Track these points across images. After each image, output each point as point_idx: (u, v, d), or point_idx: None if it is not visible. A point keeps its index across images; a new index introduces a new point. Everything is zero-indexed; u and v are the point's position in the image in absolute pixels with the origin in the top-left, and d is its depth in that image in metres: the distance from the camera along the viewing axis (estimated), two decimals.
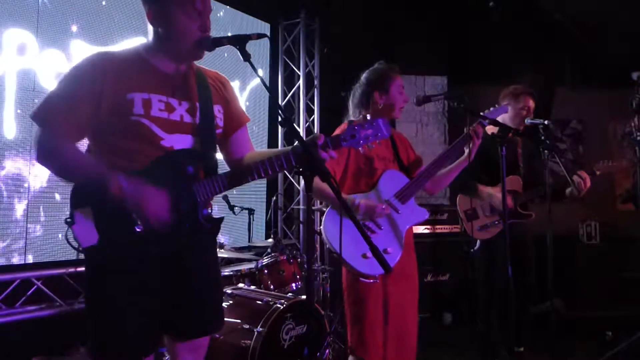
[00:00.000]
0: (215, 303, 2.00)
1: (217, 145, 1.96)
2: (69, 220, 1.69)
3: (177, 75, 1.86)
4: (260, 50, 5.69)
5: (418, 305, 2.77)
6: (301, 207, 5.84)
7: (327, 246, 2.57)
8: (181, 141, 1.80)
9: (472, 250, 3.72)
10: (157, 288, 1.76)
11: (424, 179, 2.71)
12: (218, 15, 5.26)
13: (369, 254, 2.40)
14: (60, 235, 3.77)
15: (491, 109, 2.88)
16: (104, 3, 4.09)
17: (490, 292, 3.67)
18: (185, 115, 1.83)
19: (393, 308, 2.62)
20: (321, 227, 2.56)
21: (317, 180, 2.34)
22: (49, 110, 1.69)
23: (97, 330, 1.73)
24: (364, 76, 2.88)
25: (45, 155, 1.69)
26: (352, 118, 2.86)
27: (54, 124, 1.68)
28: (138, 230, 1.69)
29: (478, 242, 3.66)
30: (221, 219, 1.90)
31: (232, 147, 2.04)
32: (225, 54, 5.24)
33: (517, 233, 3.50)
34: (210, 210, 1.87)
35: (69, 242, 1.69)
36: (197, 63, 1.96)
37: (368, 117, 2.28)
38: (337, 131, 2.79)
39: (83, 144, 1.81)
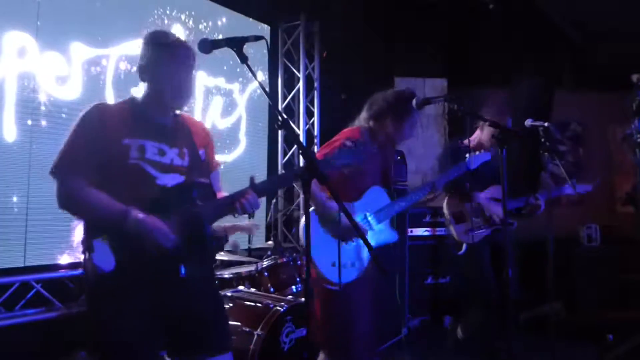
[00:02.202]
0: (221, 324, 2.11)
1: (208, 179, 2.12)
2: (86, 248, 1.86)
3: (167, 124, 2.06)
4: (259, 52, 5.70)
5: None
6: (301, 209, 5.84)
7: (303, 245, 2.64)
8: (175, 179, 1.99)
9: (459, 253, 3.71)
10: (166, 307, 1.91)
11: (403, 207, 2.84)
12: (219, 23, 5.27)
13: (337, 263, 2.54)
14: (59, 238, 3.77)
15: (477, 153, 3.05)
16: (98, 4, 4.08)
17: (475, 295, 3.76)
18: (175, 158, 2.02)
19: (356, 312, 2.69)
20: (300, 228, 2.64)
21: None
22: (64, 165, 1.90)
23: (108, 351, 1.89)
24: (390, 94, 2.86)
25: (66, 202, 1.90)
26: (360, 123, 2.88)
27: (71, 172, 1.89)
28: (154, 253, 1.84)
29: (465, 245, 3.67)
30: (225, 237, 2.12)
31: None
32: (226, 56, 5.24)
33: (499, 239, 3.61)
34: (213, 230, 2.06)
35: (90, 266, 1.84)
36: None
37: (348, 143, 2.35)
38: (344, 136, 2.79)
39: None
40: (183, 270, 1.89)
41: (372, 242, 2.72)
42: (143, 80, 2.03)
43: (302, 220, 2.62)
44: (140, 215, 1.82)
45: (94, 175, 1.90)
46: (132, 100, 2.07)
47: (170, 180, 1.97)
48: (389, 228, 2.86)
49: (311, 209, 2.63)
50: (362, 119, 2.89)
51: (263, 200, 5.70)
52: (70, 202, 1.90)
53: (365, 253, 2.71)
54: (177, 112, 2.15)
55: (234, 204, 1.97)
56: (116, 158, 1.90)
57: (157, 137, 1.99)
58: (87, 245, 1.85)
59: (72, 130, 1.94)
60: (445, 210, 3.77)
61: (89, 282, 1.88)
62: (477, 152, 3.06)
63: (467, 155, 3.06)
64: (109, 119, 1.94)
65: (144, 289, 1.86)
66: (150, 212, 1.86)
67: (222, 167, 2.34)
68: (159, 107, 2.03)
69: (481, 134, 3.83)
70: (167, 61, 1.98)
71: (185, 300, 1.95)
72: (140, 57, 2.04)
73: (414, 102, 2.80)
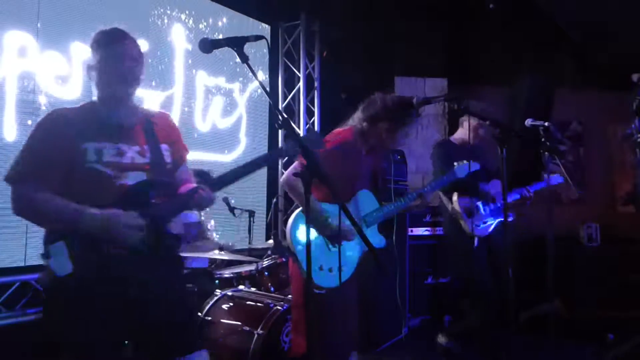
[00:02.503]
0: (183, 326, 2.07)
1: (170, 177, 2.13)
2: (44, 254, 1.85)
3: (126, 122, 2.06)
4: (260, 52, 5.70)
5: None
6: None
7: (287, 245, 2.61)
8: (135, 176, 1.99)
9: (475, 247, 3.79)
10: (126, 308, 1.89)
11: (391, 213, 2.83)
12: (219, 23, 5.27)
13: (325, 267, 2.55)
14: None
15: (464, 162, 3.12)
16: (98, 4, 4.08)
17: (473, 296, 3.85)
18: (135, 156, 2.03)
19: (342, 315, 2.69)
20: (287, 226, 2.60)
21: (291, 179, 2.43)
22: (18, 171, 1.92)
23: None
24: (388, 98, 2.79)
25: (20, 210, 1.92)
26: (354, 122, 2.83)
27: (23, 180, 1.90)
28: (112, 252, 1.85)
29: (477, 239, 3.76)
30: (180, 236, 2.08)
31: (177, 178, 2.20)
32: (226, 55, 5.24)
33: (496, 239, 3.79)
34: (173, 230, 2.04)
35: (49, 271, 1.83)
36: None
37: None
38: (336, 135, 2.79)
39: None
40: (142, 272, 1.89)
41: (359, 248, 2.72)
42: (94, 81, 2.05)
43: (290, 221, 2.60)
44: (95, 210, 1.83)
45: (52, 181, 1.91)
46: (90, 103, 2.09)
47: (131, 180, 1.97)
48: (376, 233, 2.84)
49: (299, 209, 2.62)
50: (355, 119, 2.82)
51: (263, 200, 5.70)
52: (23, 207, 1.91)
53: (352, 257, 2.69)
54: (139, 107, 2.17)
55: (189, 200, 1.99)
56: (74, 163, 1.92)
57: (115, 138, 2.00)
58: (45, 250, 1.86)
59: (28, 137, 1.96)
60: (456, 207, 3.82)
61: (45, 286, 1.91)
62: (465, 162, 3.07)
63: (456, 163, 3.07)
64: (66, 124, 1.96)
65: (103, 293, 1.85)
66: (118, 207, 1.87)
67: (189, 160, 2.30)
68: (113, 104, 2.04)
69: (463, 131, 3.99)
70: (104, 54, 1.99)
71: (147, 303, 1.93)
72: (91, 60, 2.06)
73: (412, 111, 2.77)
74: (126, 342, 1.97)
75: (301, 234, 2.53)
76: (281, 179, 2.67)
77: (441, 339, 4.20)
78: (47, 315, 1.97)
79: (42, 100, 3.74)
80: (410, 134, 2.86)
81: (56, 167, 1.91)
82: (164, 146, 2.13)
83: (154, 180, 2.02)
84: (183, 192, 2.04)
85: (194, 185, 2.04)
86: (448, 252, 4.23)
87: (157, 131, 2.13)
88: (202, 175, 2.08)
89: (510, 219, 3.87)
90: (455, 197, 3.85)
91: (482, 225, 3.79)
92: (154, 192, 1.99)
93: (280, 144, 5.97)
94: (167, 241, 2.00)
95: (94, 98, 2.07)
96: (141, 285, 1.90)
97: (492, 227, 3.81)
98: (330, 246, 2.63)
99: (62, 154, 1.91)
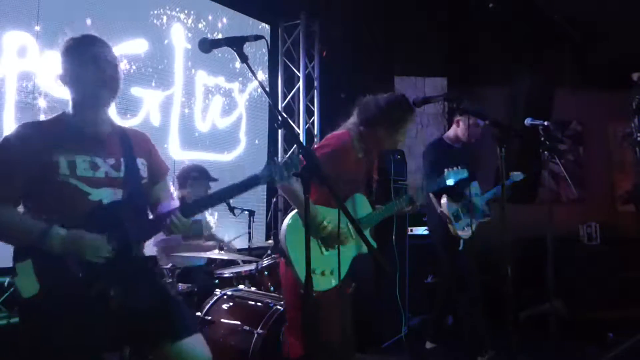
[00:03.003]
0: (164, 317, 2.03)
1: (144, 195, 2.10)
2: (11, 272, 1.83)
3: (101, 135, 2.01)
4: (259, 51, 5.70)
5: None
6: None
7: (281, 247, 2.59)
8: (108, 195, 1.94)
9: (460, 248, 4.03)
10: (100, 325, 1.85)
11: (383, 216, 2.84)
12: (219, 23, 5.27)
13: (317, 271, 2.53)
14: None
15: (454, 169, 3.11)
16: (97, 4, 4.08)
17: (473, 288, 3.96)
18: (110, 171, 1.98)
19: (337, 317, 2.69)
20: (282, 227, 2.58)
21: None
22: None
23: None
24: (383, 102, 2.74)
25: None
26: (350, 127, 2.81)
27: None
28: (79, 273, 1.82)
29: (462, 241, 3.99)
30: (153, 257, 2.05)
31: (153, 195, 2.18)
32: (226, 55, 5.25)
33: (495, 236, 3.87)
34: (143, 251, 2.04)
35: (16, 291, 1.81)
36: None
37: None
38: (333, 140, 2.78)
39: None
40: (112, 293, 1.86)
41: (352, 251, 2.70)
42: (70, 89, 1.99)
43: (284, 223, 2.58)
44: (62, 231, 1.80)
45: (17, 195, 1.89)
46: (63, 114, 2.02)
47: (104, 194, 1.93)
48: (368, 236, 2.81)
49: (293, 212, 2.60)
50: (351, 124, 2.80)
51: (263, 200, 5.70)
52: None
53: (346, 259, 2.67)
54: (114, 123, 2.12)
55: (161, 224, 1.96)
56: (46, 176, 1.86)
57: (89, 150, 1.95)
58: (12, 269, 1.82)
59: None
60: (444, 210, 3.97)
61: (16, 303, 1.90)
62: (454, 168, 3.08)
63: (446, 170, 3.07)
64: (36, 137, 1.90)
65: (72, 312, 1.80)
66: (84, 229, 1.84)
67: (170, 174, 2.33)
68: (89, 113, 1.99)
69: (457, 128, 4.10)
70: (82, 60, 1.94)
71: (119, 315, 1.89)
72: (59, 70, 2.00)
73: (408, 107, 2.76)
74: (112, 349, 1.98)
75: (295, 237, 2.52)
76: None
77: (428, 344, 4.38)
78: (21, 330, 1.94)
79: (42, 100, 3.74)
80: (410, 131, 2.84)
81: (22, 181, 1.86)
82: (139, 160, 2.09)
83: (126, 202, 1.97)
84: (156, 215, 2.02)
85: (169, 209, 1.99)
86: (436, 254, 4.34)
87: (133, 144, 2.09)
88: (181, 200, 2.06)
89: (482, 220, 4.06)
90: (444, 199, 3.99)
91: (465, 228, 3.96)
92: (126, 214, 1.94)
93: (280, 143, 5.97)
94: (136, 263, 1.98)
95: (68, 109, 2.01)
96: (113, 297, 1.87)
97: (474, 227, 3.98)
98: (323, 249, 2.61)
99: (31, 168, 1.85)
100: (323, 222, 2.52)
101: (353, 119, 2.80)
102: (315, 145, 2.78)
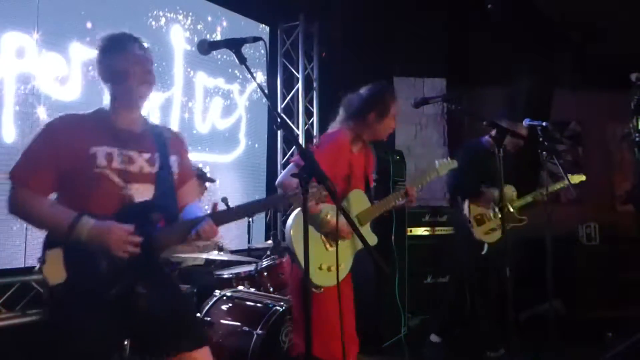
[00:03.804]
0: (183, 324, 2.06)
1: (175, 195, 2.11)
2: (40, 258, 1.87)
3: (136, 130, 2.07)
4: (258, 52, 5.70)
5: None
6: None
7: (286, 244, 2.62)
8: (141, 190, 1.99)
9: (483, 252, 3.98)
10: (120, 323, 1.91)
11: (381, 211, 2.85)
12: (218, 25, 5.28)
13: (324, 266, 2.56)
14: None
15: (445, 160, 3.16)
16: (97, 5, 4.09)
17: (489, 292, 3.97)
18: (144, 165, 2.02)
19: (340, 311, 2.68)
20: (288, 225, 2.61)
21: (285, 181, 2.48)
22: (18, 172, 1.93)
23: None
24: (365, 92, 2.83)
25: (14, 210, 1.92)
26: (339, 124, 2.86)
27: (21, 183, 1.91)
28: (104, 268, 1.85)
29: (486, 245, 3.95)
30: (178, 264, 2.05)
31: (179, 196, 2.18)
32: (225, 56, 5.25)
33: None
34: (167, 256, 2.08)
35: (43, 277, 1.86)
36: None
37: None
38: (331, 138, 2.80)
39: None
40: (136, 292, 1.90)
41: (357, 246, 2.73)
42: (106, 85, 2.05)
43: (289, 220, 2.61)
44: (92, 220, 1.83)
45: (53, 184, 1.92)
46: (101, 109, 2.07)
47: (136, 190, 1.97)
48: (369, 231, 2.85)
49: (298, 209, 2.62)
50: (340, 122, 2.85)
51: None
52: (17, 208, 1.92)
53: (348, 256, 2.70)
54: (149, 120, 2.17)
55: (190, 231, 1.96)
56: (82, 167, 1.90)
57: (125, 144, 1.99)
58: (42, 255, 1.87)
59: (32, 139, 1.96)
60: (466, 214, 4.00)
61: (44, 292, 1.93)
62: (445, 159, 3.09)
63: (437, 162, 3.08)
64: (74, 128, 1.96)
65: (97, 305, 1.85)
66: (117, 221, 1.88)
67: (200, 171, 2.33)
68: (127, 110, 2.05)
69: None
70: (128, 57, 1.99)
71: (143, 314, 1.93)
72: (97, 65, 2.05)
73: (389, 89, 2.82)
74: (125, 343, 1.99)
75: (300, 233, 2.53)
76: (277, 181, 2.69)
77: (434, 337, 4.38)
78: (47, 320, 2.01)
79: (41, 101, 3.74)
80: (396, 114, 2.85)
81: (57, 170, 1.91)
82: (172, 157, 2.13)
83: (158, 201, 2.01)
84: (186, 221, 2.01)
85: (198, 213, 2.02)
86: (455, 252, 4.36)
87: (167, 141, 2.13)
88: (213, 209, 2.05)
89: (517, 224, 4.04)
90: (466, 203, 4.01)
91: (490, 232, 3.97)
92: (156, 214, 1.98)
93: (279, 145, 5.98)
94: (158, 266, 2.02)
95: (105, 105, 2.06)
96: (136, 296, 1.91)
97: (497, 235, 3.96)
98: (327, 245, 2.63)
99: (67, 159, 1.90)
100: (326, 217, 2.54)
101: (340, 117, 2.86)
102: (313, 147, 2.80)
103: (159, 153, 2.07)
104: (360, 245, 2.73)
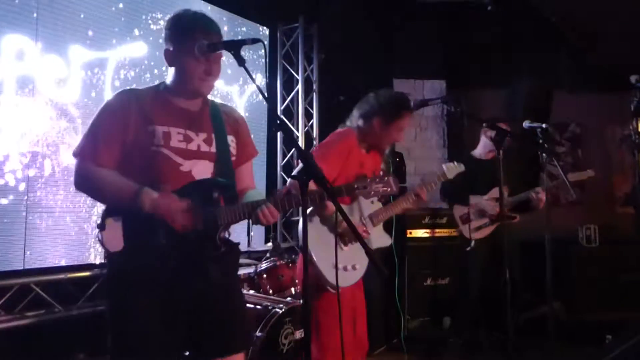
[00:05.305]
0: (234, 323, 2.03)
1: (233, 174, 2.09)
2: (100, 224, 1.90)
3: (194, 110, 2.05)
4: (257, 54, 5.70)
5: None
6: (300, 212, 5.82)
7: (299, 244, 2.63)
8: (199, 166, 1.99)
9: (467, 249, 4.22)
10: (175, 299, 1.89)
11: (393, 213, 2.88)
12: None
13: (340, 266, 2.51)
14: (59, 241, 3.77)
15: (453, 163, 3.17)
16: (96, 8, 4.09)
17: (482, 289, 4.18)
18: (202, 144, 2.01)
19: (351, 316, 2.71)
20: (299, 226, 2.60)
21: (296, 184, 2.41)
22: (82, 147, 1.95)
23: (117, 335, 1.90)
24: (382, 93, 2.83)
25: (80, 183, 1.95)
26: (350, 123, 2.87)
27: (86, 157, 1.94)
28: (162, 241, 1.86)
29: (473, 242, 4.18)
30: (237, 244, 2.06)
31: (236, 177, 2.14)
32: (224, 58, 5.24)
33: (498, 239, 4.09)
34: (228, 235, 2.02)
35: (101, 243, 1.90)
36: None
37: (381, 173, 2.23)
38: (334, 137, 2.81)
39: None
40: (192, 265, 1.89)
41: (371, 245, 2.73)
42: (170, 65, 2.03)
43: (301, 221, 2.62)
44: (155, 194, 1.84)
45: (115, 159, 1.94)
46: (161, 85, 2.07)
47: (195, 166, 1.97)
48: (382, 232, 2.85)
49: (310, 208, 2.62)
50: (352, 118, 2.87)
51: None
52: (82, 183, 1.94)
53: (364, 256, 2.68)
54: (208, 99, 2.14)
55: (252, 214, 1.94)
56: (140, 144, 1.92)
57: (183, 123, 1.99)
58: (101, 222, 1.89)
59: (96, 115, 1.98)
60: (454, 214, 4.32)
61: (106, 260, 1.93)
62: (452, 163, 3.10)
63: (444, 166, 3.09)
64: (134, 105, 1.95)
65: (153, 278, 1.86)
66: (179, 196, 1.88)
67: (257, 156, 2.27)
68: (186, 93, 2.03)
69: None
70: (189, 48, 1.92)
71: (198, 295, 1.92)
72: (165, 41, 2.03)
73: (406, 106, 2.78)
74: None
75: (312, 233, 2.53)
76: (287, 184, 2.70)
77: (446, 321, 4.71)
78: (106, 292, 1.99)
79: (41, 103, 3.74)
80: (405, 128, 2.84)
81: (120, 145, 1.93)
82: (229, 137, 2.11)
83: (220, 181, 2.01)
84: (250, 203, 1.98)
85: (259, 199, 1.99)
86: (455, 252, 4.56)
87: (225, 122, 2.11)
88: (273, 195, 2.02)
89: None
90: (454, 207, 4.32)
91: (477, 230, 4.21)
92: (217, 192, 1.97)
93: (279, 146, 5.97)
94: (216, 241, 1.95)
95: (166, 81, 2.06)
96: (193, 279, 1.90)
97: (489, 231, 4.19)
98: (342, 245, 2.64)
99: (128, 133, 1.92)
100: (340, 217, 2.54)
101: (355, 113, 2.86)
102: (318, 144, 2.82)
103: (215, 133, 2.06)
104: (375, 246, 2.75)
